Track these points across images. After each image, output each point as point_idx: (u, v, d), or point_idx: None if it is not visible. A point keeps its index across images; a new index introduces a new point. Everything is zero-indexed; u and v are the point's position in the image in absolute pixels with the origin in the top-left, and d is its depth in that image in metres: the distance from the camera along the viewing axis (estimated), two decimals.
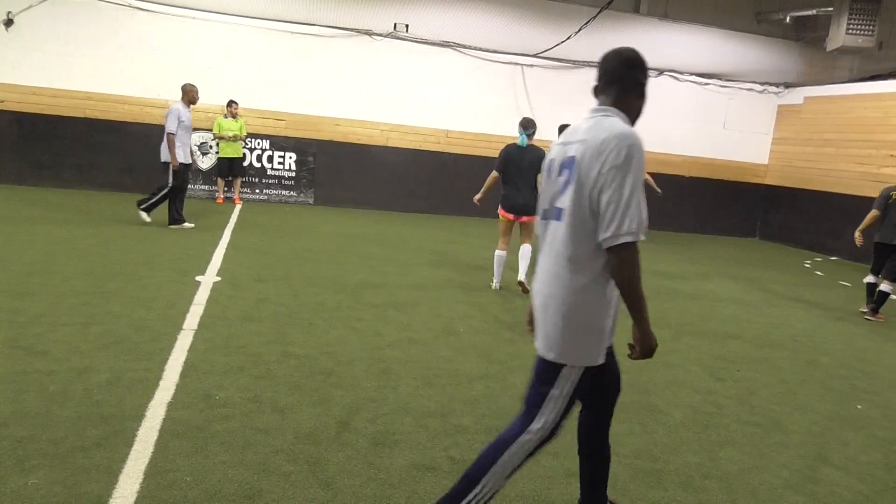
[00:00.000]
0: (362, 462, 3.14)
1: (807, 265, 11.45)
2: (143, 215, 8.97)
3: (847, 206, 12.45)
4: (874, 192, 12.00)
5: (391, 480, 3.01)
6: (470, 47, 12.64)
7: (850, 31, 11.85)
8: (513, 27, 12.38)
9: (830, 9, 12.02)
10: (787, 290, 8.90)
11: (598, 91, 2.43)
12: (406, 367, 4.48)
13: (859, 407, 4.59)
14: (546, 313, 2.36)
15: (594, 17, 11.45)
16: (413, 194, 12.89)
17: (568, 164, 2.29)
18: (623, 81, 2.36)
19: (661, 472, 3.34)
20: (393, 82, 12.53)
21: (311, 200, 12.60)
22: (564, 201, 2.29)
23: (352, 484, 2.94)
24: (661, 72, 13.61)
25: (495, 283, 7.16)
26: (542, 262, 2.43)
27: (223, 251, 7.66)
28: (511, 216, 6.89)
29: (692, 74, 13.83)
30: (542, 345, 2.39)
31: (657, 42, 13.21)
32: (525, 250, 6.88)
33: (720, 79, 14.03)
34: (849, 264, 11.76)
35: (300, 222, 10.46)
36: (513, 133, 12.42)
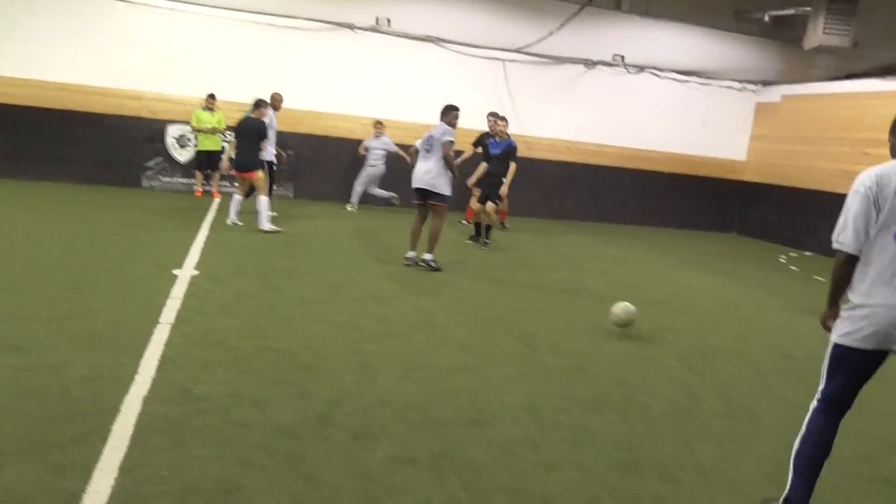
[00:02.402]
0: (342, 455, 3.14)
1: (782, 260, 11.61)
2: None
3: (823, 203, 12.62)
4: (849, 190, 12.19)
5: (371, 473, 3.00)
6: (451, 42, 12.61)
7: (827, 30, 11.99)
8: (494, 22, 12.39)
9: (808, 8, 12.17)
10: (764, 285, 9.02)
11: None
12: (385, 361, 4.47)
13: None
14: None
15: (576, 14, 11.49)
16: (393, 189, 12.84)
17: None
18: None
19: (638, 463, 3.37)
20: (374, 76, 12.46)
21: (290, 194, 12.51)
22: None
23: (331, 477, 2.93)
24: (641, 69, 13.69)
25: (232, 219, 9.07)
26: None
27: (201, 245, 7.59)
28: (235, 172, 9.05)
29: (672, 72, 13.93)
30: None
31: (638, 39, 13.31)
32: (262, 200, 8.93)
33: (700, 76, 14.14)
34: (824, 259, 11.93)
35: (280, 216, 10.39)
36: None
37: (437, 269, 7.48)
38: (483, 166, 9.94)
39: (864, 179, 2.86)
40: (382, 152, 11.95)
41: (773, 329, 6.59)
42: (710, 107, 14.45)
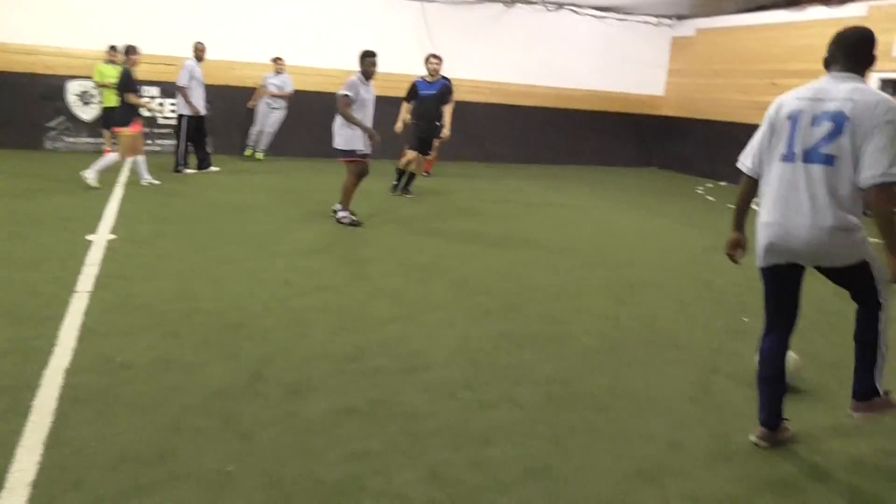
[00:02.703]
0: (279, 411, 3.11)
1: (699, 191, 12.05)
2: (188, 171, 9.88)
3: (735, 134, 12.99)
4: (759, 120, 12.66)
5: (310, 427, 2.99)
6: None
7: None
8: None
9: None
10: (683, 216, 9.37)
11: (834, 60, 2.89)
12: (318, 315, 4.43)
13: (746, 320, 4.93)
14: (833, 239, 2.79)
15: None
16: (317, 139, 12.47)
17: (832, 117, 2.73)
18: (863, 55, 2.87)
19: (572, 396, 3.49)
20: (290, 22, 11.94)
21: (210, 149, 12.01)
22: (834, 149, 2.72)
23: (269, 434, 2.91)
24: (560, 6, 13.63)
25: (146, 179, 8.66)
26: (804, 199, 2.81)
27: (116, 208, 7.22)
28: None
29: (590, 8, 13.92)
30: (842, 260, 2.86)
31: None
32: (107, 156, 8.54)
33: (617, 12, 14.20)
34: (735, 188, 12.45)
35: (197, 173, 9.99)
36: (417, 71, 12.17)
37: (353, 225, 7.05)
38: (406, 107, 9.34)
39: (772, 104, 3.01)
40: (280, 91, 11.44)
41: (694, 258, 6.88)
42: (628, 42, 14.59)
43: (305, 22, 12.02)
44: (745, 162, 3.08)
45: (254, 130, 11.83)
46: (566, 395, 3.49)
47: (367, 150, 7.12)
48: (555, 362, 3.92)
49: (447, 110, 9.25)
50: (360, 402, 3.26)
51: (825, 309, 4.92)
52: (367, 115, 7.08)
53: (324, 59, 12.22)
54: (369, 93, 7.10)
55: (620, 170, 14.70)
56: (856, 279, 2.93)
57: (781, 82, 12.20)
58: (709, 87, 14.10)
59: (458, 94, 12.97)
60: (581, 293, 5.35)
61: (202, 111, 9.88)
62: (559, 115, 14.32)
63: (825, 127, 2.75)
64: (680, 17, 14.63)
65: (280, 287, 4.94)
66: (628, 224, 8.51)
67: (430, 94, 9.04)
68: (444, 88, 9.10)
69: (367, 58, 7.03)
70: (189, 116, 9.81)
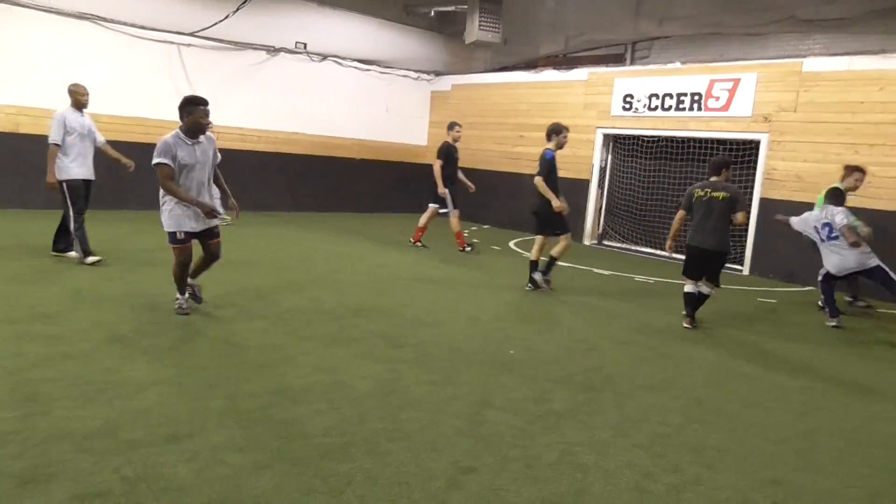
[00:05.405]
0: None
1: (465, 234, 12.85)
2: (71, 254, 7.37)
3: (492, 181, 14.28)
4: (512, 168, 13.94)
5: None
6: (113, 21, 11.31)
7: (482, 27, 13.51)
8: (164, 2, 11.44)
9: (465, 6, 13.54)
10: (451, 258, 9.89)
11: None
12: (60, 387, 3.87)
13: (512, 352, 5.31)
14: None
15: None
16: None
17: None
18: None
19: (348, 445, 3.44)
20: (21, 57, 10.61)
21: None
22: None
23: None
24: (324, 57, 13.87)
25: None
26: None
27: None
28: None
29: (354, 60, 14.37)
30: None
31: (318, 27, 13.45)
32: None
33: (380, 65, 14.83)
34: (498, 231, 13.53)
35: None
36: (174, 117, 11.43)
37: (182, 313, 5.60)
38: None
39: None
40: None
41: (461, 297, 7.27)
42: (391, 95, 15.27)
43: (38, 58, 10.76)
44: None
45: None
46: (343, 446, 3.42)
47: (198, 228, 5.56)
48: (330, 413, 3.84)
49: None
50: (112, 482, 2.89)
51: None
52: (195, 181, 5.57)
53: (57, 101, 11.01)
54: (195, 153, 5.55)
55: (391, 216, 15.16)
56: None
57: (528, 135, 13.62)
58: (465, 137, 15.16)
59: (225, 142, 12.54)
60: (355, 339, 5.34)
61: (83, 176, 7.47)
62: (328, 163, 14.44)
63: None
64: (437, 74, 15.71)
65: (9, 359, 4.24)
66: (399, 268, 8.75)
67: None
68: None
69: (195, 105, 5.44)
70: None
